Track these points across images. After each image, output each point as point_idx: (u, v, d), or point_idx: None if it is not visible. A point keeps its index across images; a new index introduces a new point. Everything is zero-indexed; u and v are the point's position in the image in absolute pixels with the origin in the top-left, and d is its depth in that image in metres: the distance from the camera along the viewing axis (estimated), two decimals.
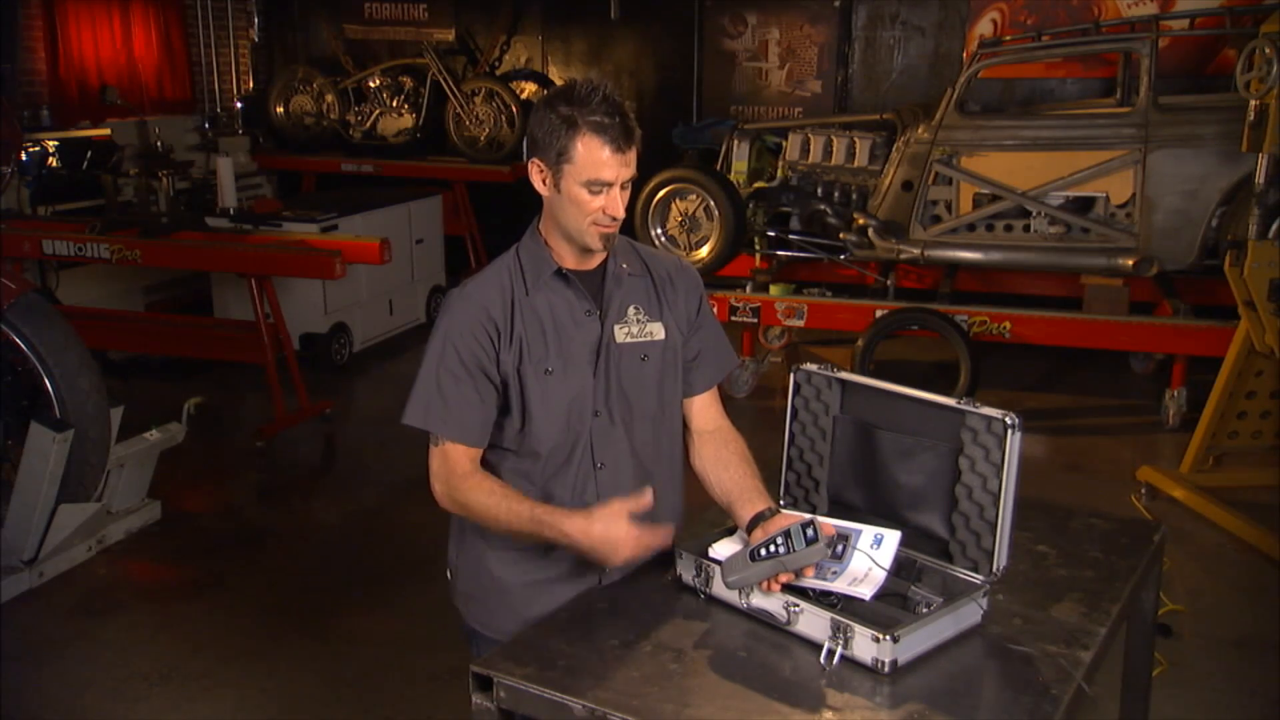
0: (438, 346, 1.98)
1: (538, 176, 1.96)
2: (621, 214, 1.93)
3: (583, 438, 2.01)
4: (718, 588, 1.88)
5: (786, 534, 1.72)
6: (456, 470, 1.97)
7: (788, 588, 1.80)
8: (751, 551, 1.73)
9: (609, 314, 2.02)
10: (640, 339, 2.03)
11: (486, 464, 2.04)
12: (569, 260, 2.01)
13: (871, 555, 1.86)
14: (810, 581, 1.82)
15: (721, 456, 2.09)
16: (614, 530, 1.83)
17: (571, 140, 1.87)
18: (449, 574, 2.19)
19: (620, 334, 2.02)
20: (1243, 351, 4.51)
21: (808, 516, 1.82)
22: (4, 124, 4.48)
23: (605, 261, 2.04)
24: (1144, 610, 2.27)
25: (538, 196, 2.02)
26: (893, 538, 1.88)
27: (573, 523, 1.86)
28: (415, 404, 1.99)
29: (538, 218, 2.05)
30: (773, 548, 1.72)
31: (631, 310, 2.04)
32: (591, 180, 1.88)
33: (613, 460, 2.03)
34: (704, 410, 2.16)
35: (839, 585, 1.82)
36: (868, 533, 1.89)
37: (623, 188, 1.92)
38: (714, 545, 1.94)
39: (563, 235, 1.98)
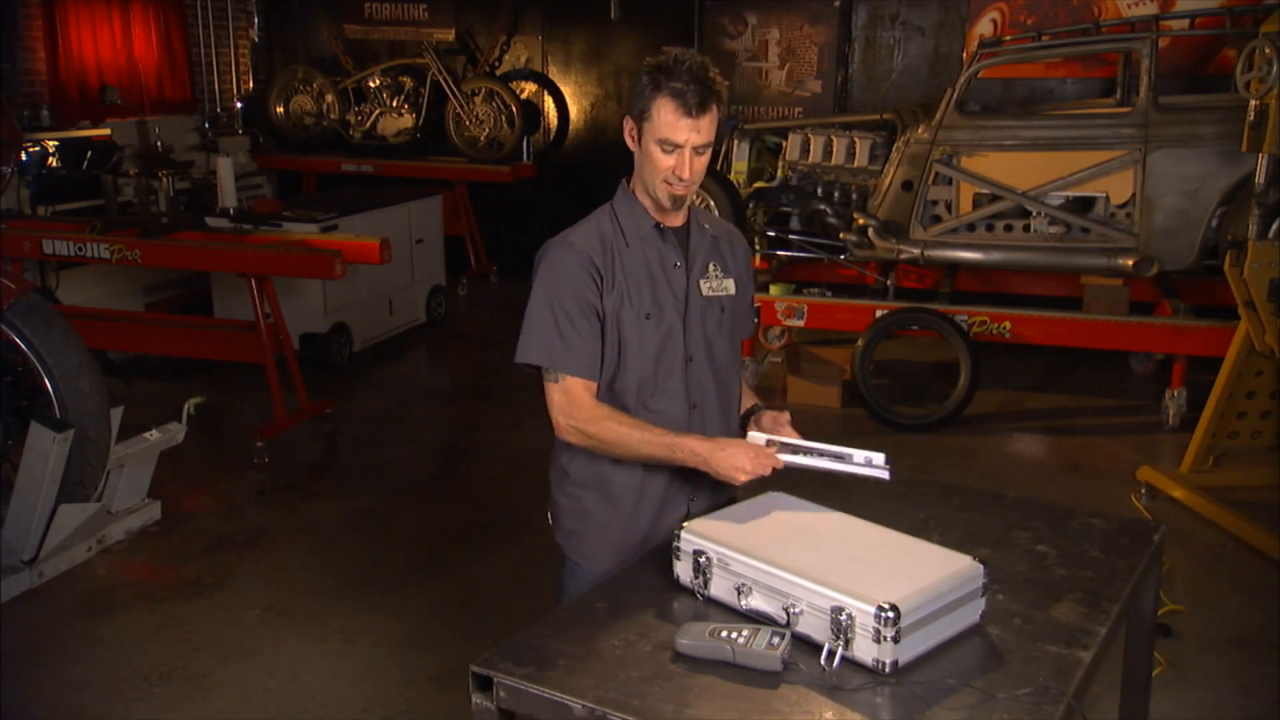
0: (547, 291, 2.13)
1: (628, 133, 2.15)
2: (689, 175, 2.09)
3: (677, 380, 2.20)
4: (716, 588, 1.89)
5: (755, 630, 1.73)
6: (583, 404, 2.14)
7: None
8: (713, 629, 1.75)
9: (694, 268, 2.22)
10: (719, 293, 2.25)
11: None
12: (657, 217, 2.19)
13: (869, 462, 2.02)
14: (824, 463, 2.03)
15: None
16: (741, 453, 2.04)
17: (651, 101, 2.07)
18: (549, 517, 2.36)
19: (704, 288, 2.23)
20: (1243, 351, 4.51)
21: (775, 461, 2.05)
22: (4, 124, 4.48)
23: (689, 221, 2.24)
24: (1144, 610, 2.27)
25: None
26: (879, 458, 2.01)
27: (703, 444, 2.07)
28: (533, 345, 2.14)
29: (626, 178, 2.23)
30: (734, 635, 1.72)
31: (711, 266, 2.25)
32: (663, 139, 2.07)
33: (703, 401, 2.24)
34: None
35: (853, 468, 2.01)
36: (860, 454, 2.03)
37: (698, 153, 2.09)
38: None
39: (645, 191, 2.17)
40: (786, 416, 2.18)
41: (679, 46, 2.14)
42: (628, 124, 2.15)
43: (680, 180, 2.10)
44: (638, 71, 2.11)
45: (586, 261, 2.13)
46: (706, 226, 2.28)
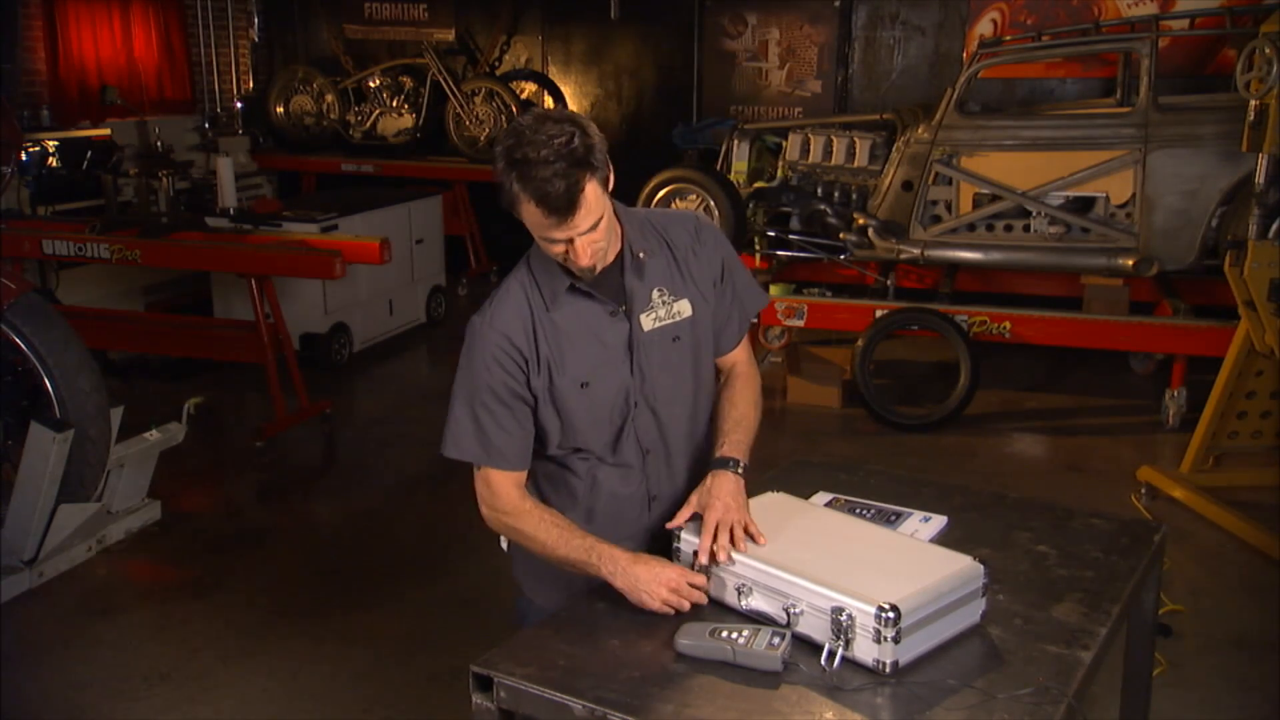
0: (467, 379, 1.96)
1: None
2: (586, 262, 1.86)
3: (626, 430, 2.01)
4: (716, 588, 1.89)
5: (756, 630, 1.73)
6: (503, 496, 1.98)
7: None
8: (713, 629, 1.75)
9: (634, 307, 1.98)
10: (668, 321, 2.01)
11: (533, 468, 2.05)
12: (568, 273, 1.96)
13: (917, 528, 2.14)
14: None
15: (731, 396, 2.14)
16: (654, 573, 1.85)
17: (516, 202, 1.81)
18: (505, 545, 2.20)
19: (648, 322, 1.99)
20: (1243, 351, 4.51)
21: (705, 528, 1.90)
22: (4, 124, 4.48)
23: (621, 252, 1.98)
24: (1144, 610, 2.27)
25: None
26: (939, 520, 2.15)
27: (624, 555, 1.88)
28: (452, 437, 1.98)
29: None
30: (735, 635, 1.72)
31: (655, 294, 2.00)
32: (543, 238, 1.86)
33: (657, 446, 2.05)
34: (732, 356, 2.18)
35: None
36: (917, 515, 2.18)
37: (592, 229, 1.83)
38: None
39: None
40: (719, 515, 1.90)
41: (530, 110, 1.80)
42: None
43: (579, 263, 1.87)
44: (496, 147, 1.82)
45: (506, 344, 1.92)
46: (641, 255, 1.99)
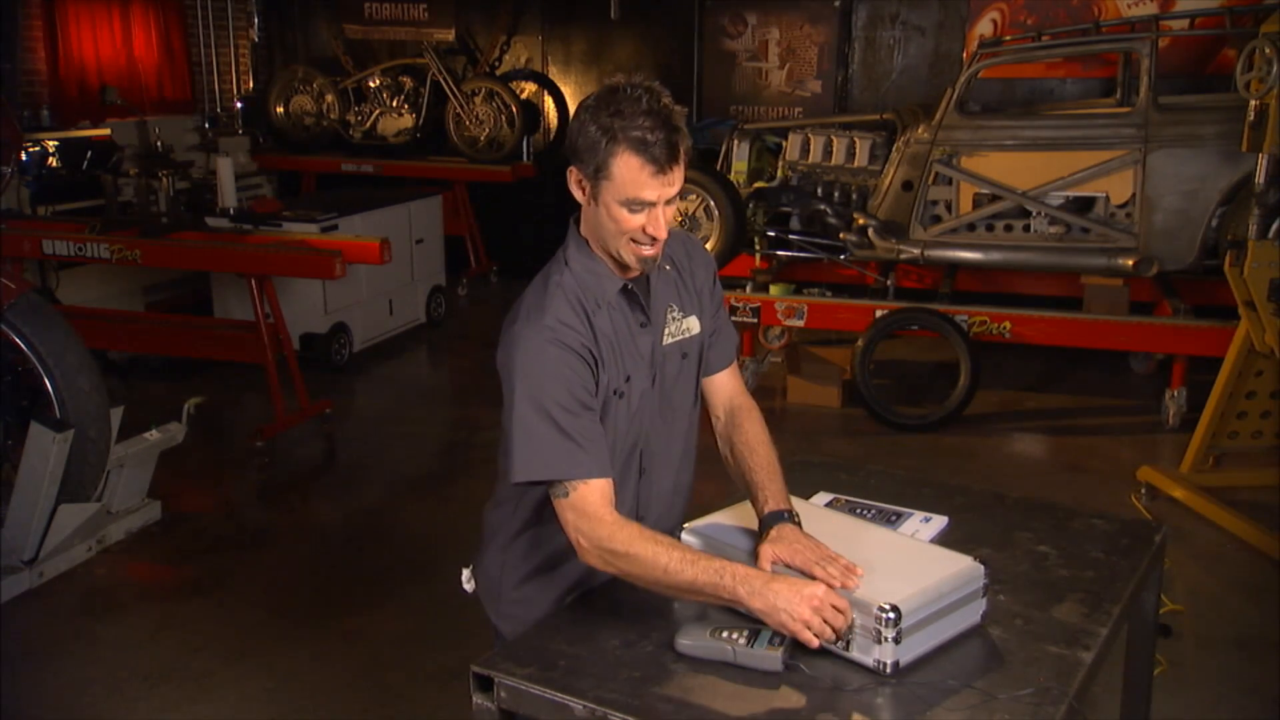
0: (534, 390, 1.76)
1: (576, 186, 1.82)
2: (663, 234, 1.79)
3: (636, 448, 1.95)
4: None
5: (756, 633, 1.72)
6: (602, 519, 1.76)
7: None
8: (714, 629, 1.74)
9: (657, 318, 1.93)
10: (680, 337, 1.96)
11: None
12: (622, 274, 1.89)
13: (918, 528, 2.16)
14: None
15: (747, 441, 2.02)
16: (796, 590, 1.66)
17: (610, 156, 1.73)
18: (469, 583, 2.17)
19: (665, 337, 1.94)
20: (1243, 351, 4.51)
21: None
22: (4, 124, 4.48)
23: None
24: (1145, 610, 2.27)
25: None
26: (939, 521, 2.17)
27: (756, 574, 1.70)
28: (531, 456, 1.77)
29: (575, 222, 1.91)
30: (735, 635, 1.71)
31: (670, 310, 1.96)
32: (631, 200, 1.75)
33: (656, 465, 2.00)
34: (726, 385, 2.10)
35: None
36: (917, 515, 2.20)
37: (667, 203, 1.77)
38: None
39: (603, 247, 1.86)
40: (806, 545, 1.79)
41: (621, 76, 1.78)
42: (575, 177, 1.80)
43: (653, 241, 1.79)
44: (578, 112, 1.76)
45: (577, 343, 1.79)
46: (668, 267, 1.96)
